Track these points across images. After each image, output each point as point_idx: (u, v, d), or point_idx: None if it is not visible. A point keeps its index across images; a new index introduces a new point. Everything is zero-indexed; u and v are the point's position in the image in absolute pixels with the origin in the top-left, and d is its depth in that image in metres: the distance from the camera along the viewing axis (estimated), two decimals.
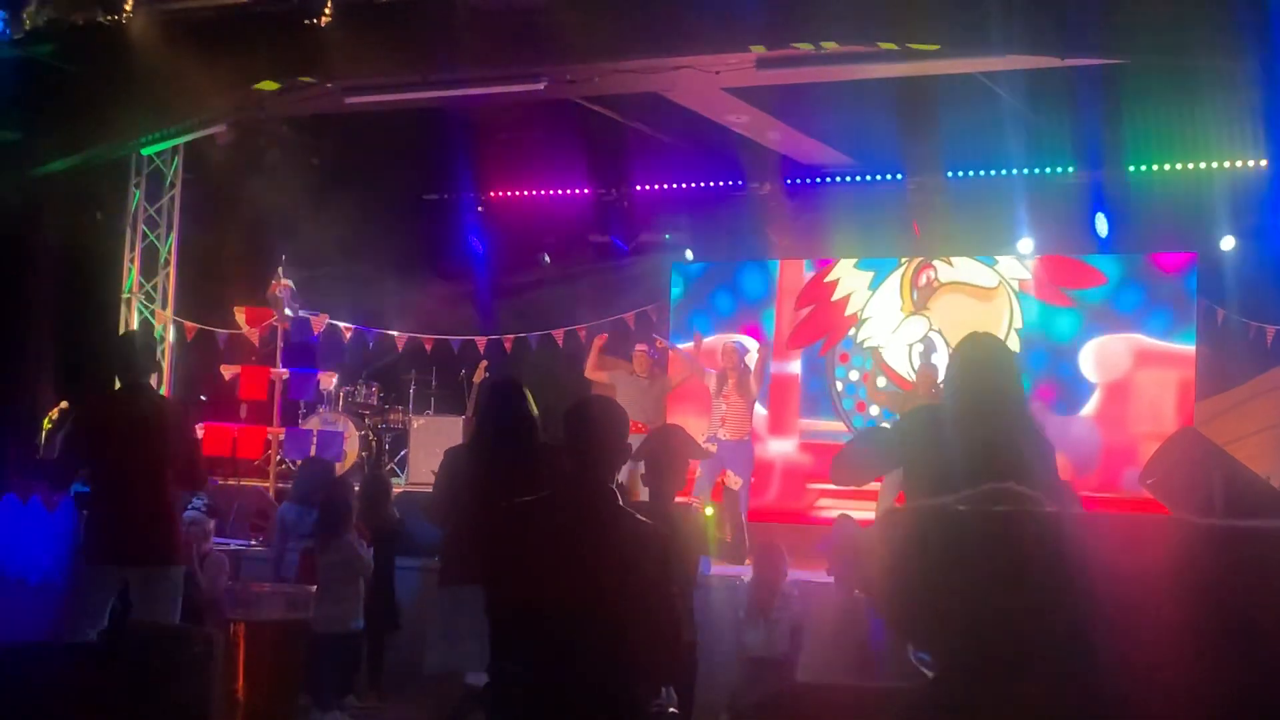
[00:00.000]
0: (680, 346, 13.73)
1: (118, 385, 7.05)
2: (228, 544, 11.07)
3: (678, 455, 6.78)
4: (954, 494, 2.23)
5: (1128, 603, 1.99)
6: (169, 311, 13.78)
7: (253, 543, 11.62)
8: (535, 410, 6.56)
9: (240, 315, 13.78)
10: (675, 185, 15.25)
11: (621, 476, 10.32)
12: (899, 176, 14.21)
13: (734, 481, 12.50)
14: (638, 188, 15.26)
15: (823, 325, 15.26)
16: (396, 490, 10.47)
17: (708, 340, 14.02)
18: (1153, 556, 2.01)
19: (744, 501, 12.57)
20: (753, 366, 12.86)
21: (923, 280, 14.84)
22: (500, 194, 15.93)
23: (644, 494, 6.88)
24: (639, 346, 13.20)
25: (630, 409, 10.67)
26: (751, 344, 15.25)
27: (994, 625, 2.03)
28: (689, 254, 15.71)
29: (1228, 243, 13.16)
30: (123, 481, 6.73)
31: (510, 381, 6.77)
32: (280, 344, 13.31)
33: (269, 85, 10.92)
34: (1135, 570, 2.02)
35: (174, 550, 6.86)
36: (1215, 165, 12.87)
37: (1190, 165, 13.00)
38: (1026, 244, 14.12)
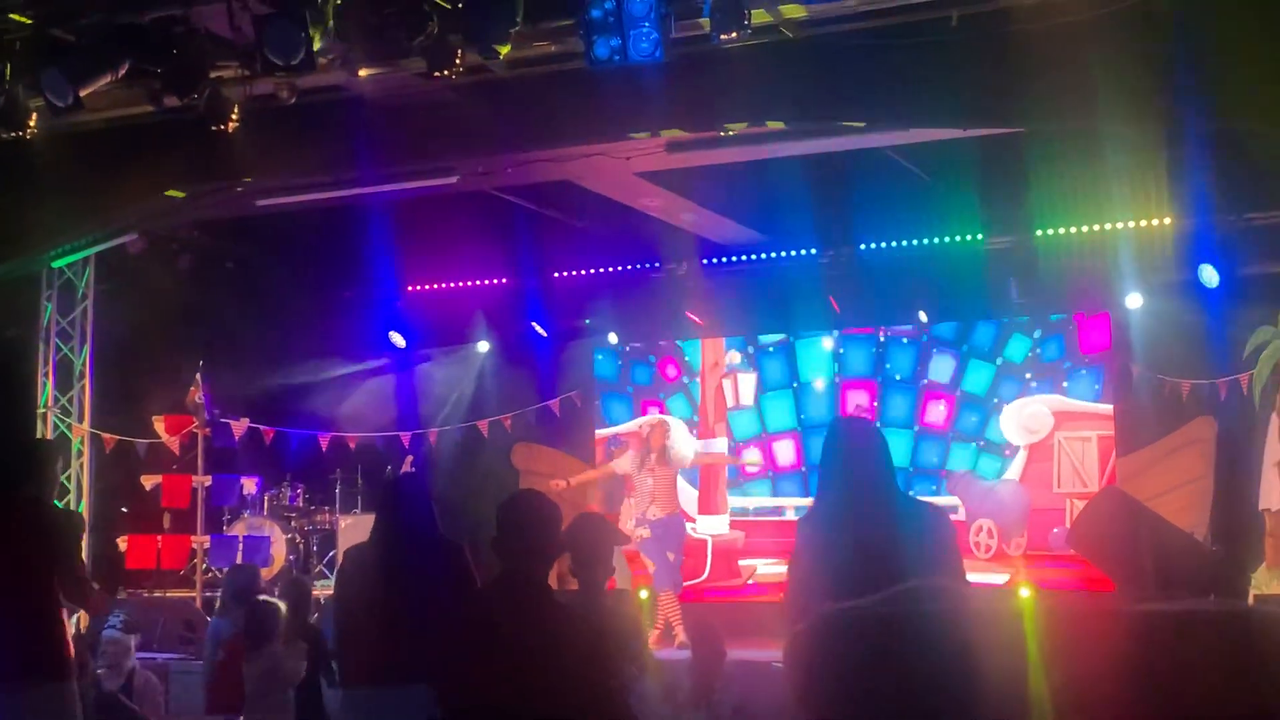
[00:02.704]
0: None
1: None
2: (155, 658, 10.85)
3: (601, 543, 6.71)
4: (861, 595, 2.22)
5: (1055, 687, 1.99)
6: (86, 424, 13.56)
7: (182, 655, 11.40)
8: (432, 505, 6.49)
9: (159, 424, 13.59)
10: (593, 270, 15.31)
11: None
12: (813, 251, 14.34)
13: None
14: (556, 274, 15.29)
15: None
16: (326, 592, 10.31)
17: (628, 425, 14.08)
18: (1087, 643, 2.02)
19: (677, 578, 12.54)
20: (672, 439, 12.90)
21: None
22: (419, 287, 15.89)
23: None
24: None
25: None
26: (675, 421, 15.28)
27: None
28: (611, 337, 15.73)
29: (1134, 300, 13.38)
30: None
31: (408, 478, 6.67)
32: (201, 450, 13.16)
33: (178, 192, 10.86)
34: (1067, 655, 2.03)
35: (47, 666, 6.51)
36: (1121, 225, 13.07)
37: (1097, 227, 13.20)
38: (923, 316, 14.35)
